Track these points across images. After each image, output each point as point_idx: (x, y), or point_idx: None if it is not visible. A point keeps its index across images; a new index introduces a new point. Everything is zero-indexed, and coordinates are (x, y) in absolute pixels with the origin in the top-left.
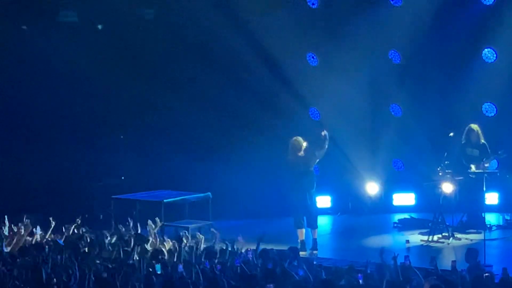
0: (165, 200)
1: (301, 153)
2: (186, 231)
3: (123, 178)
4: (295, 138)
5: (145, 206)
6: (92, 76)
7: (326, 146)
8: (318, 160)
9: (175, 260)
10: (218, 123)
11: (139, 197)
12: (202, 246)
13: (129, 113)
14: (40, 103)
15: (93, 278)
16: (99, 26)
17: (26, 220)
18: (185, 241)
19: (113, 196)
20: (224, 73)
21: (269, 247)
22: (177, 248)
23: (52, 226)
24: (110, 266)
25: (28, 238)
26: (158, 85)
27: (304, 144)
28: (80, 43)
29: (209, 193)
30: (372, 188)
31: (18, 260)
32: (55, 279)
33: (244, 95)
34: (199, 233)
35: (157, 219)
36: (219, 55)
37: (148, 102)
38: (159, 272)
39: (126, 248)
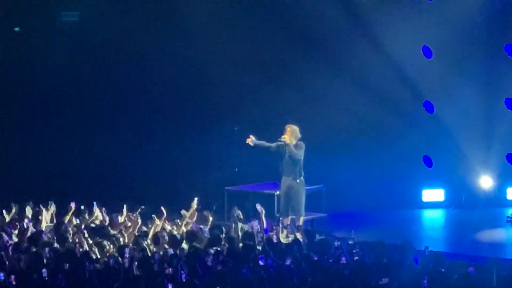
0: (278, 192)
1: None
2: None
3: (236, 169)
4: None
5: (258, 198)
6: (208, 68)
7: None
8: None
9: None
10: (330, 118)
11: (252, 189)
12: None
13: (244, 104)
14: (152, 95)
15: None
16: None
17: (141, 209)
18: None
19: (226, 188)
20: (336, 67)
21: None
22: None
23: (164, 216)
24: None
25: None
26: (273, 80)
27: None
28: None
29: (323, 185)
30: (486, 181)
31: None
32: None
33: (358, 89)
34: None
35: (260, 207)
36: (334, 48)
37: (262, 94)
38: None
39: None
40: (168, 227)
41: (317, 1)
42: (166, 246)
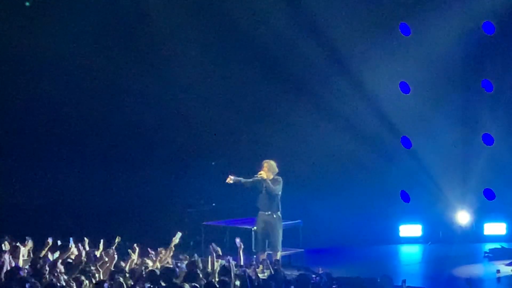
0: (255, 227)
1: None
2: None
3: (214, 204)
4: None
5: (235, 233)
6: (185, 104)
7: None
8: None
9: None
10: (307, 153)
11: (229, 224)
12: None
13: (221, 140)
14: (130, 130)
15: None
16: None
17: (118, 239)
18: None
19: (203, 223)
20: (313, 102)
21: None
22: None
23: (137, 251)
24: None
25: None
26: (250, 115)
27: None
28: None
29: (300, 220)
30: (463, 217)
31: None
32: None
33: (335, 124)
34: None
35: (239, 241)
36: (311, 83)
37: (240, 130)
38: None
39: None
40: (149, 262)
41: (295, 37)
42: (144, 281)
